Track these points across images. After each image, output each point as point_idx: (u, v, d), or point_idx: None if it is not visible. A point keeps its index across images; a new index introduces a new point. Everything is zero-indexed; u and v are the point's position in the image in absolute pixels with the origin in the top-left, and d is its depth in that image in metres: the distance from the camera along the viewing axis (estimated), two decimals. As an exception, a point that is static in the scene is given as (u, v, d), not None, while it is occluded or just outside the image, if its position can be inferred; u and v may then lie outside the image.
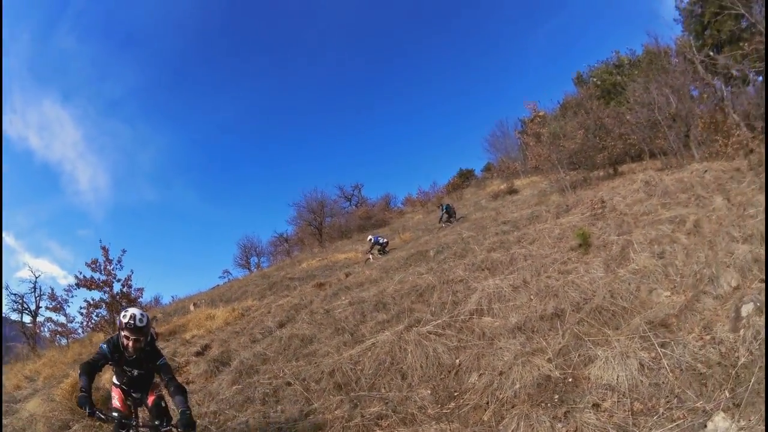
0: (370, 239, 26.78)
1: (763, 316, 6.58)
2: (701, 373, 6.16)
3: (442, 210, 30.08)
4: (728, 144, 18.44)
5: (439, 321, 10.78)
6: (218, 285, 43.31)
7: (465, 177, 55.64)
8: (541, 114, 28.95)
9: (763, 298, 6.97)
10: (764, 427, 5.04)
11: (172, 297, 42.77)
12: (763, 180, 13.15)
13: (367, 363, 9.94)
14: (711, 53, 23.98)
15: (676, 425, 5.52)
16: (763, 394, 5.44)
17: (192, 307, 26.77)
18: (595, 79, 36.54)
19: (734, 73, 23.00)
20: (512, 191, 33.67)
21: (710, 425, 5.35)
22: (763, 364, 5.82)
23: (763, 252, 8.83)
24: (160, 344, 16.60)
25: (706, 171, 16.14)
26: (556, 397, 6.71)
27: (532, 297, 10.62)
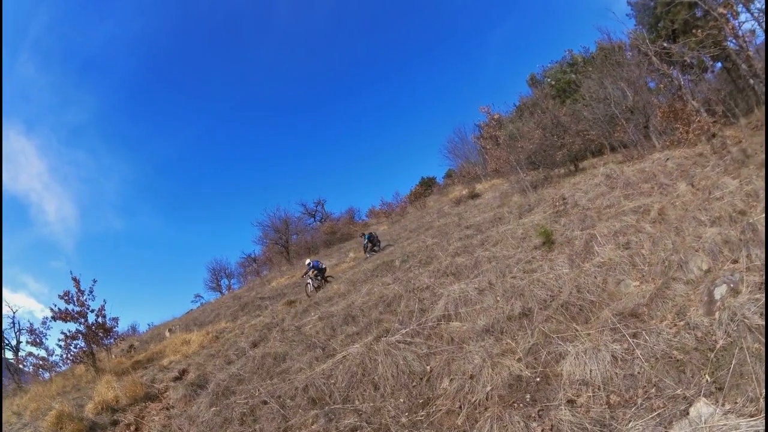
0: (309, 263, 25.32)
1: (738, 297, 6.56)
2: (678, 360, 6.10)
3: (365, 239, 29.84)
4: (689, 131, 18.58)
5: (408, 329, 10.83)
6: (192, 309, 43.42)
7: (427, 185, 56.02)
8: (496, 117, 29.11)
9: (736, 278, 7.01)
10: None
11: (148, 324, 42.73)
12: (727, 163, 13.28)
13: (339, 376, 9.93)
14: (665, 44, 24.23)
15: (657, 414, 5.45)
16: (748, 376, 5.38)
17: (167, 333, 26.84)
18: (549, 80, 37.06)
19: (690, 61, 23.28)
20: (474, 195, 33.76)
21: (692, 411, 5.28)
22: (743, 346, 5.75)
23: (733, 233, 8.78)
24: (138, 372, 16.64)
25: (668, 159, 16.24)
26: (528, 396, 6.68)
27: (498, 298, 10.61)
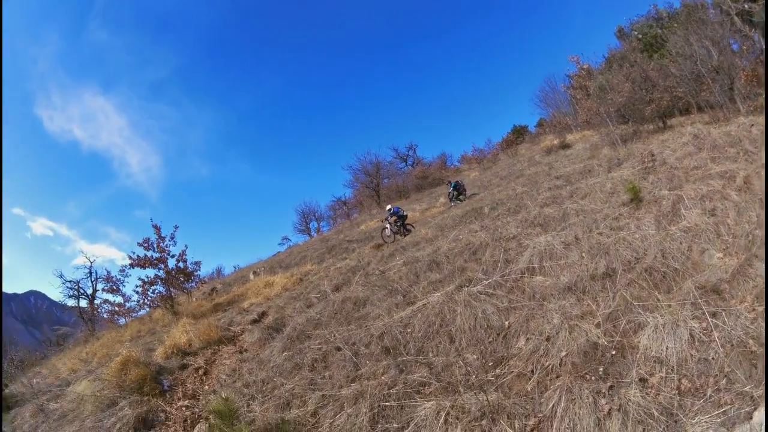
0: (389, 208, 24.89)
1: None
2: (752, 352, 5.85)
3: (451, 187, 29.42)
4: None
5: (490, 280, 10.64)
6: (279, 252, 44.04)
7: (519, 133, 55.52)
8: (585, 67, 28.38)
9: None
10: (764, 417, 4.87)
11: (234, 267, 43.63)
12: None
13: (417, 325, 9.92)
14: (746, 5, 23.24)
15: (723, 412, 5.28)
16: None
17: (251, 276, 27.32)
18: (636, 33, 35.81)
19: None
20: (565, 146, 33.28)
21: (756, 416, 5.06)
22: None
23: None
24: (217, 315, 16.91)
25: (752, 125, 15.62)
26: (601, 369, 6.55)
27: (583, 255, 10.40)
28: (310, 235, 52.25)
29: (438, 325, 9.61)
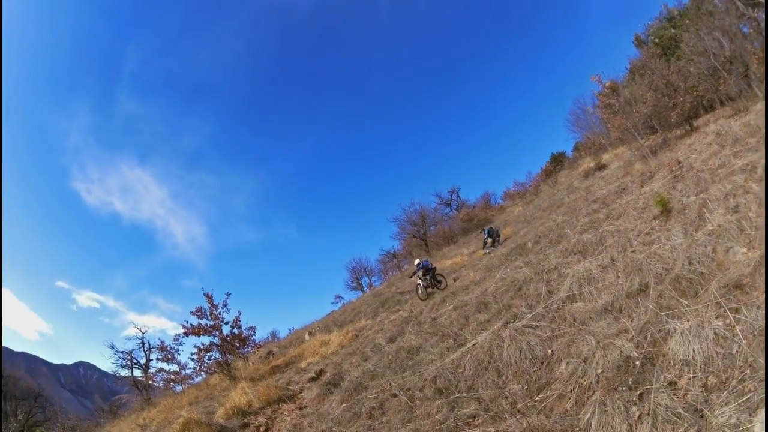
0: (418, 263, 24.32)
1: None
2: None
3: (485, 234, 29.40)
4: None
5: (534, 313, 10.98)
6: (333, 311, 44.46)
7: (557, 161, 55.62)
8: (608, 84, 28.48)
9: None
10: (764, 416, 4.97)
11: (289, 329, 44.13)
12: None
13: (467, 365, 10.18)
14: None
15: (746, 399, 5.37)
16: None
17: (307, 336, 27.56)
18: (653, 38, 35.96)
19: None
20: (601, 167, 33.47)
21: (764, 408, 5.12)
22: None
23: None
24: (275, 376, 17.18)
25: (768, 108, 15.53)
26: (631, 379, 6.70)
27: (619, 275, 10.60)
28: (362, 290, 52.66)
29: (486, 362, 9.87)
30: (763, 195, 10.04)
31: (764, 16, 19.51)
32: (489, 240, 28.70)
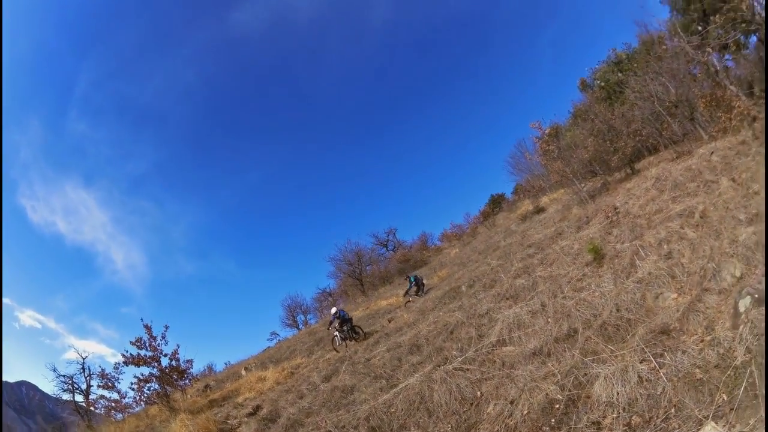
0: (335, 312, 23.37)
1: (762, 308, 6.40)
2: (699, 379, 6.11)
3: (410, 282, 28.57)
4: (731, 117, 18.06)
5: (464, 356, 11.19)
6: (268, 347, 44.20)
7: (496, 203, 55.98)
8: (547, 131, 28.97)
9: (762, 287, 6.75)
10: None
11: (225, 364, 43.52)
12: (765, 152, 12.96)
13: (399, 405, 10.30)
14: (699, 27, 23.68)
15: None
16: (760, 393, 5.34)
17: (243, 372, 27.29)
18: (599, 81, 36.60)
19: (726, 42, 22.80)
20: (539, 210, 33.91)
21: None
22: (762, 361, 5.65)
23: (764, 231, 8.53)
24: (213, 410, 17.04)
25: (712, 153, 16.00)
26: (553, 420, 6.86)
27: (549, 320, 10.82)
28: (297, 328, 52.42)
29: (418, 402, 10.02)
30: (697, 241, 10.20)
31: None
32: (414, 288, 28.10)
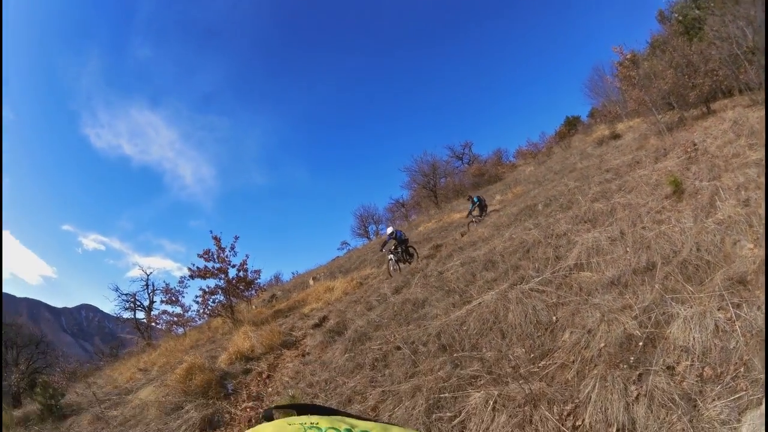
0: (391, 232, 22.78)
1: None
2: None
3: (474, 203, 27.11)
4: None
5: (541, 277, 11.07)
6: (338, 257, 44.84)
7: (572, 125, 55.39)
8: (629, 56, 28.38)
9: None
10: (764, 417, 5.14)
11: (293, 273, 44.51)
12: None
13: (471, 323, 10.36)
14: None
15: (738, 398, 5.53)
16: None
17: (311, 282, 27.86)
18: (677, 15, 35.52)
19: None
20: (615, 136, 33.32)
21: (764, 406, 5.25)
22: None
23: None
24: (278, 321, 17.43)
25: (787, 107, 15.43)
26: (633, 358, 6.89)
27: (627, 249, 10.70)
28: (368, 238, 52.93)
29: (491, 322, 10.07)
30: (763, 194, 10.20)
31: (764, 15, 19.36)
32: (477, 210, 26.85)
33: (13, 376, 24.64)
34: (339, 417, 1.25)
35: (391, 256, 22.05)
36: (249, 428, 1.20)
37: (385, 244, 23.57)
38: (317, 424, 1.13)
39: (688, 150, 15.67)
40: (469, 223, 26.35)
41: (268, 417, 1.33)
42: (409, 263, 22.23)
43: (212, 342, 18.97)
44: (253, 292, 23.13)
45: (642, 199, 13.76)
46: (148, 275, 31.96)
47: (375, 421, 1.25)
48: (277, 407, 1.49)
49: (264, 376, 12.96)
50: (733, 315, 6.74)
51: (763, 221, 9.16)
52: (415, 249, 23.66)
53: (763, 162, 12.09)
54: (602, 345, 7.58)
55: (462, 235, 23.11)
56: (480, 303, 10.95)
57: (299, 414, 1.37)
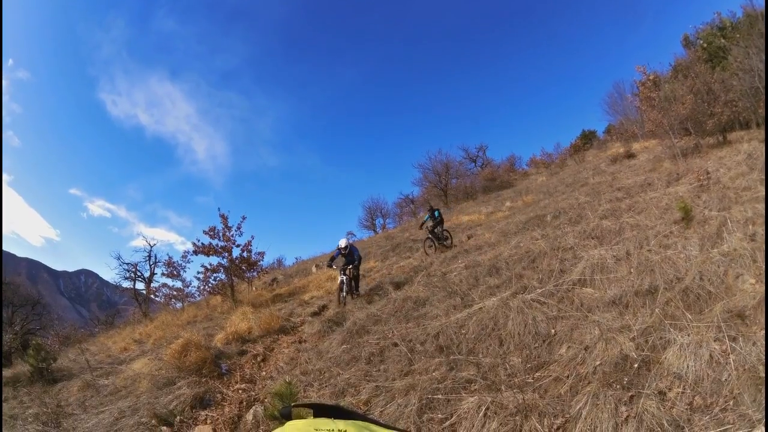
0: (343, 247, 17.25)
1: None
2: (760, 377, 6.10)
3: (431, 215, 22.73)
4: None
5: (544, 289, 11.16)
6: (342, 246, 44.51)
7: (587, 138, 55.50)
8: (651, 77, 28.37)
9: None
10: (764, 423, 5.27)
11: (296, 258, 44.32)
12: None
13: (471, 327, 10.47)
14: None
15: (724, 430, 5.59)
16: None
17: (314, 269, 27.94)
18: (701, 42, 35.50)
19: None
20: (630, 155, 33.28)
21: None
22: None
23: None
24: (277, 305, 17.56)
25: (803, 147, 15.51)
26: (626, 379, 6.98)
27: (632, 270, 10.79)
28: (375, 231, 52.64)
29: (491, 328, 10.17)
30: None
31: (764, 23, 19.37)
32: (431, 222, 22.51)
33: (7, 335, 24.75)
34: (363, 423, 1.31)
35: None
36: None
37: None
38: (345, 431, 1.21)
39: (701, 177, 15.74)
40: (425, 240, 22.58)
41: (286, 415, 1.43)
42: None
43: (210, 320, 19.03)
44: (255, 273, 23.13)
45: (651, 222, 13.85)
46: (151, 246, 31.98)
47: (396, 429, 1.35)
48: (296, 405, 1.54)
49: (259, 359, 13.04)
50: (729, 348, 6.81)
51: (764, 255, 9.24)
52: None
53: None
54: (598, 363, 7.68)
55: (468, 238, 22.34)
56: (481, 308, 11.03)
57: (317, 414, 1.44)
